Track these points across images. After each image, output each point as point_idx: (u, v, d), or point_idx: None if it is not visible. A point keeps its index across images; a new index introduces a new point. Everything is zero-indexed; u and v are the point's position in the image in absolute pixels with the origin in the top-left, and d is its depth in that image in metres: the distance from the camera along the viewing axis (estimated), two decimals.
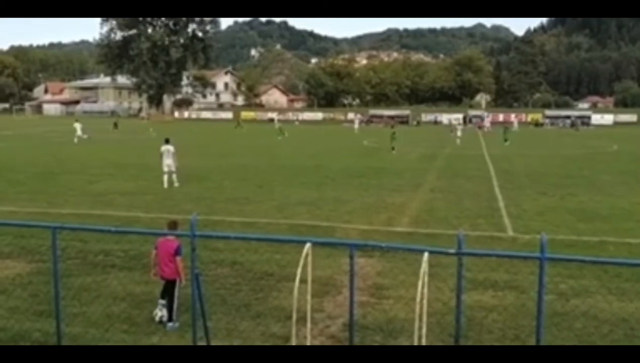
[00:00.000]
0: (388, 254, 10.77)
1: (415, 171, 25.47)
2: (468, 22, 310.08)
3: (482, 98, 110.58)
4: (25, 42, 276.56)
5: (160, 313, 7.79)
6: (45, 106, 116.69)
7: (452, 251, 5.47)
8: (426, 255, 5.43)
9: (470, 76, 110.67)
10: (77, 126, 41.48)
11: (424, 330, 5.45)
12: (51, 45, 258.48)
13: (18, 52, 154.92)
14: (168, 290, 7.75)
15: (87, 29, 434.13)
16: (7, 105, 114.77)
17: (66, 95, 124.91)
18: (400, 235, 13.03)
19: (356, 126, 62.24)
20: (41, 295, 8.50)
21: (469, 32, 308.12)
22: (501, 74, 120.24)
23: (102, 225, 11.08)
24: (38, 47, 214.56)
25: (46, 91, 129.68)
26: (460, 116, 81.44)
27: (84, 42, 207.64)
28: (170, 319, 7.71)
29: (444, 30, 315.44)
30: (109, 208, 15.93)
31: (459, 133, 44.74)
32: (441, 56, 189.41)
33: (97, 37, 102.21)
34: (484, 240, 12.39)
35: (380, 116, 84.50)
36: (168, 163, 19.79)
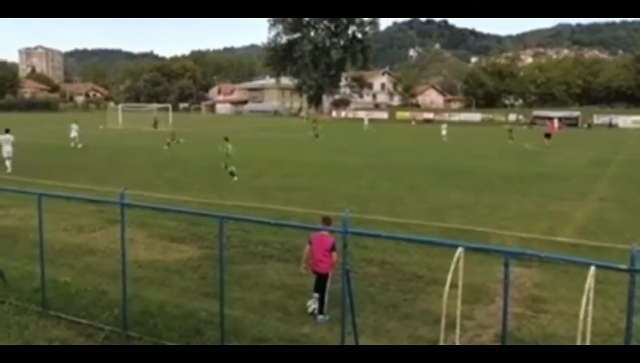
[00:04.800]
0: (547, 265, 10.09)
1: (583, 178, 23.44)
2: None
3: None
4: (203, 47, 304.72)
5: (314, 305, 8.13)
6: (218, 106, 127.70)
7: (623, 267, 4.95)
8: (592, 269, 4.98)
9: None
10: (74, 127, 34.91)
11: None
12: (225, 49, 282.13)
13: (197, 56, 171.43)
14: (320, 284, 8.06)
15: (256, 34, 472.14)
16: (186, 104, 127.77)
17: (236, 95, 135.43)
18: (563, 246, 12.10)
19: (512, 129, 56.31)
20: (208, 278, 9.33)
21: None
22: None
23: (262, 217, 11.86)
24: (214, 51, 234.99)
25: (219, 92, 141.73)
26: None
27: (253, 47, 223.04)
28: (321, 311, 8.01)
29: (624, 24, 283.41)
30: (269, 202, 16.93)
31: None
32: (620, 52, 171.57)
33: (265, 41, 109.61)
34: None
35: (543, 118, 78.73)
36: (7, 150, 23.08)
